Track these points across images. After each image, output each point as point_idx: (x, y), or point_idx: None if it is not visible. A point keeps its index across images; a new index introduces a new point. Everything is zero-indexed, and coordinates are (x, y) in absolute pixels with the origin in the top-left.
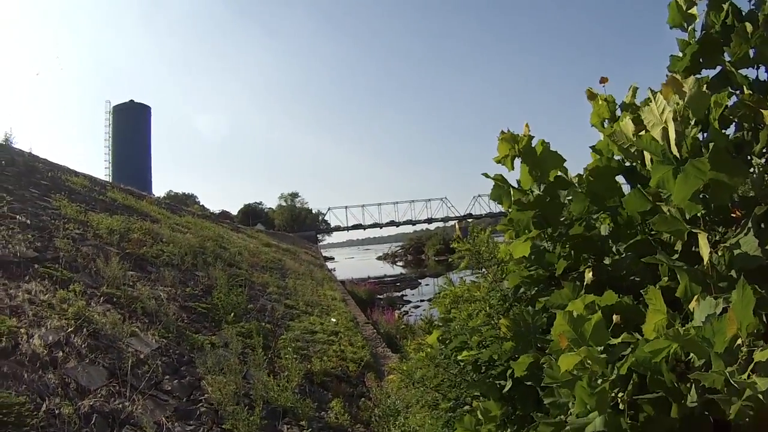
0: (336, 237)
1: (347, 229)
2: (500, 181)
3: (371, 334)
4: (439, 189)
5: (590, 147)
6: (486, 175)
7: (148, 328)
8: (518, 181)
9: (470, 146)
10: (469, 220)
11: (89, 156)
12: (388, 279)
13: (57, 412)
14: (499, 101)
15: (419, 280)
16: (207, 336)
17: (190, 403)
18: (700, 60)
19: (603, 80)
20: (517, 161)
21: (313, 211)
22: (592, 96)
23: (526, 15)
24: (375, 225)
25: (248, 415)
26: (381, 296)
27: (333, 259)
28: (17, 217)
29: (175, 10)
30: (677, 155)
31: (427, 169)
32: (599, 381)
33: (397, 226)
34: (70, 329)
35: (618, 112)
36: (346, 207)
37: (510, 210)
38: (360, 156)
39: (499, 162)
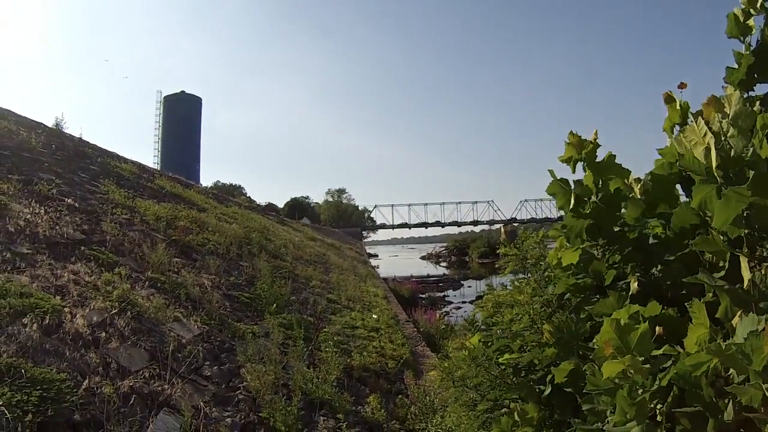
0: (381, 234)
1: (393, 227)
2: (564, 184)
3: (412, 333)
4: (486, 192)
5: (657, 149)
6: (551, 173)
7: (190, 314)
8: (579, 186)
9: (520, 151)
10: (515, 224)
11: (138, 145)
12: (431, 279)
13: (97, 390)
14: (554, 107)
15: (462, 282)
16: (249, 325)
17: (228, 389)
18: (755, 75)
19: (682, 86)
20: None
21: (360, 208)
22: (669, 100)
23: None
24: (421, 224)
25: (285, 405)
26: (423, 295)
27: (377, 256)
28: (66, 199)
29: (227, 10)
30: (719, 178)
31: (475, 172)
32: (640, 391)
33: (443, 226)
34: (113, 311)
35: (690, 120)
36: (392, 205)
37: (565, 213)
38: (409, 156)
39: (563, 162)
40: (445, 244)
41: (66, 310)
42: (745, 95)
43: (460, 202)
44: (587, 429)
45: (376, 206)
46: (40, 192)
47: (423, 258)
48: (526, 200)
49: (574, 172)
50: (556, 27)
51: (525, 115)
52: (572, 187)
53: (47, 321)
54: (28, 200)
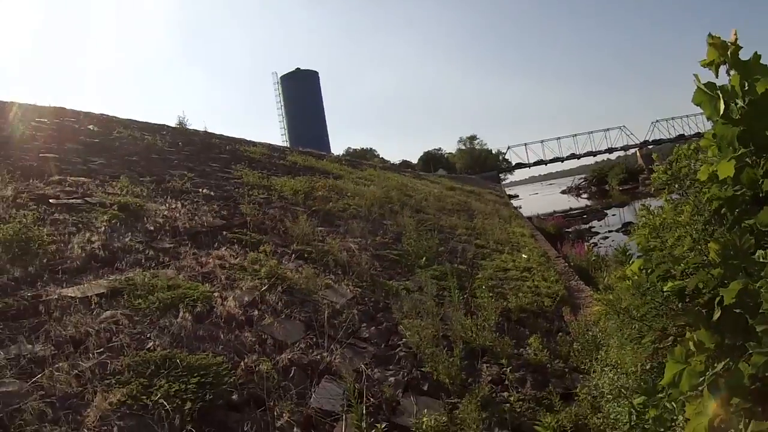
0: (518, 175)
1: (529, 165)
2: (710, 89)
3: (563, 268)
4: (617, 118)
5: None
6: (696, 77)
7: (341, 279)
8: (729, 89)
9: (647, 70)
10: (650, 147)
11: (265, 128)
12: (574, 212)
13: (255, 368)
14: (682, 20)
15: (605, 211)
16: (401, 282)
17: (388, 348)
18: None
19: None
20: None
21: (493, 152)
22: None
23: None
24: (556, 159)
25: (447, 357)
26: (569, 230)
27: (517, 196)
28: (200, 190)
29: None
30: None
31: (604, 98)
32: None
33: (578, 158)
34: (263, 288)
35: None
36: (525, 144)
37: (713, 122)
38: (536, 91)
39: (705, 66)
40: (583, 176)
41: (215, 294)
42: None
43: (592, 132)
44: (763, 352)
45: (509, 147)
46: (174, 188)
47: (563, 192)
48: (657, 121)
49: (717, 76)
50: None
51: (652, 32)
52: (719, 92)
53: (198, 308)
54: (163, 198)
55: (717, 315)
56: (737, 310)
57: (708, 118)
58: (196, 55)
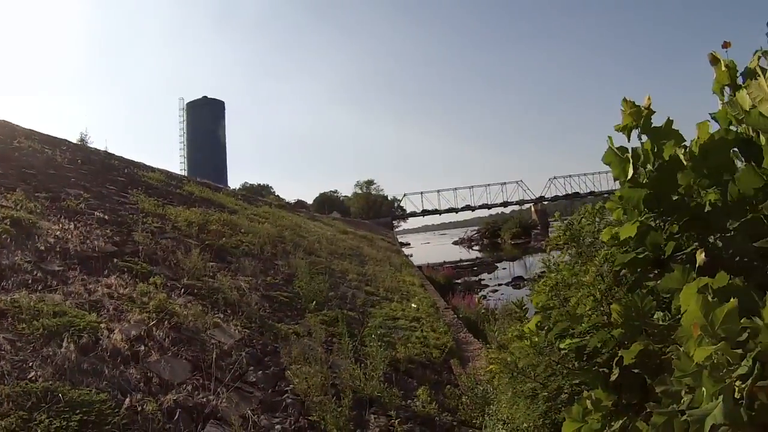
0: (412, 223)
1: (423, 214)
2: (621, 153)
3: (452, 320)
4: (515, 173)
5: (710, 114)
6: (609, 139)
7: (230, 318)
8: (638, 154)
9: (547, 129)
10: (545, 203)
11: (165, 153)
12: (465, 263)
13: (139, 408)
14: (580, 82)
15: (496, 264)
16: (290, 325)
17: (275, 394)
18: None
19: (726, 45)
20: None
21: (389, 198)
22: (715, 61)
23: None
24: (451, 210)
25: (336, 406)
26: (458, 281)
27: (409, 244)
28: (95, 213)
29: (249, 13)
30: None
31: (502, 153)
32: (724, 370)
33: (473, 210)
34: (151, 323)
35: (740, 81)
36: (421, 192)
37: (620, 184)
38: (436, 143)
39: (619, 131)
40: (476, 228)
41: (102, 326)
42: None
43: (489, 185)
44: (663, 412)
45: (405, 195)
46: (69, 207)
47: (455, 243)
48: (555, 177)
49: (629, 140)
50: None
51: (549, 94)
52: (629, 155)
53: (84, 339)
54: (56, 217)
55: (615, 375)
56: (636, 370)
57: (615, 179)
58: (102, 72)
